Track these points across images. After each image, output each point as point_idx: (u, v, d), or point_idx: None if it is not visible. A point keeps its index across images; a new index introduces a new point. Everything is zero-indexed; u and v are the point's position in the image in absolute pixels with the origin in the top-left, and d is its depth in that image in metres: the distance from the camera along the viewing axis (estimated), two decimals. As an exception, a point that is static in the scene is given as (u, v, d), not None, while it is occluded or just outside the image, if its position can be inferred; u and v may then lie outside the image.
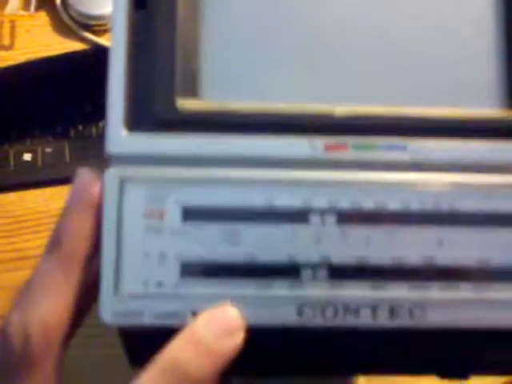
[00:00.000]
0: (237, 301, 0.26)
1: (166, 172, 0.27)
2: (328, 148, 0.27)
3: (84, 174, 0.26)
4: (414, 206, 0.27)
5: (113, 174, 0.26)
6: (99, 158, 0.52)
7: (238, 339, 0.25)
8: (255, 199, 0.27)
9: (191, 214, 0.26)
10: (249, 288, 0.26)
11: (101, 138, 0.53)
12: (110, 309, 0.25)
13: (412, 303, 0.27)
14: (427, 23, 0.29)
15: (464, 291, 0.27)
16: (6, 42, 0.53)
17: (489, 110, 0.29)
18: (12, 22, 0.53)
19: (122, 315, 0.25)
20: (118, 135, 0.26)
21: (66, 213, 0.26)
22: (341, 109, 0.27)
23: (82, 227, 0.26)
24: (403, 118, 0.28)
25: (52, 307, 0.25)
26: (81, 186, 0.26)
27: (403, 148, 0.27)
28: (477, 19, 0.30)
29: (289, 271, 0.26)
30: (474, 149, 0.28)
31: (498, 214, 0.27)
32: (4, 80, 0.53)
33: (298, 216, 0.27)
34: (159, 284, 0.26)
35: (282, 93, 0.28)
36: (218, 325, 0.25)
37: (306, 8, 0.29)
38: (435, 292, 0.27)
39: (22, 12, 0.53)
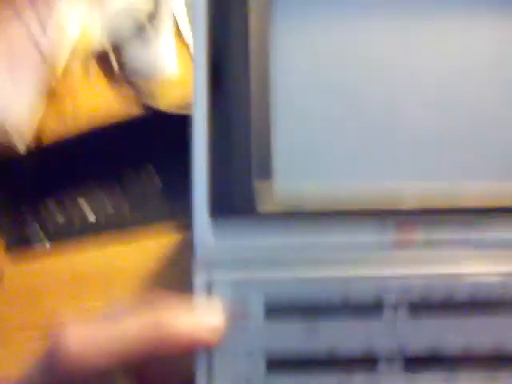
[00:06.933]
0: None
1: (249, 273, 0.29)
2: (398, 243, 0.29)
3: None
4: (482, 294, 0.29)
5: (201, 277, 0.29)
6: (159, 215, 0.55)
7: None
8: (332, 294, 0.29)
9: (273, 311, 0.28)
10: (330, 381, 0.28)
11: (158, 194, 0.56)
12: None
13: (485, 392, 0.28)
14: (488, 100, 0.31)
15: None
16: (69, 109, 0.55)
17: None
18: (73, 88, 0.55)
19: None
20: (204, 242, 0.29)
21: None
22: (409, 203, 0.29)
23: None
24: (469, 212, 0.29)
25: None
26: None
27: (470, 241, 0.29)
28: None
29: (366, 363, 0.28)
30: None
31: None
32: (68, 145, 0.56)
33: (372, 310, 0.29)
34: (248, 381, 0.28)
35: (349, 174, 0.30)
36: None
37: (373, 92, 0.30)
38: (506, 380, 0.28)
39: (83, 81, 0.55)
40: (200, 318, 0.28)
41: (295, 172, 0.30)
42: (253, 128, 0.29)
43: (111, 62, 0.56)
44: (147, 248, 0.52)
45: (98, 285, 0.51)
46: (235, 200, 0.29)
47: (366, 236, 0.29)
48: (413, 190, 0.30)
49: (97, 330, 0.28)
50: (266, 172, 0.30)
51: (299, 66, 0.31)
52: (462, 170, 0.30)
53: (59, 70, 0.54)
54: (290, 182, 0.30)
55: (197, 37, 0.30)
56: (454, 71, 0.31)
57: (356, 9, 0.31)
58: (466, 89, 0.31)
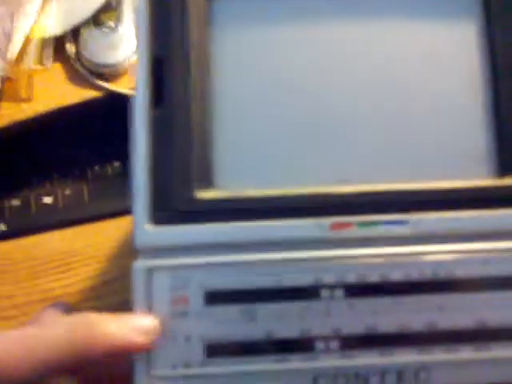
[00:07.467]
0: (258, 375, 0.29)
1: (188, 260, 0.29)
2: (334, 227, 0.30)
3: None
4: (415, 276, 0.30)
5: (140, 265, 0.29)
6: (117, 197, 0.55)
7: None
8: (269, 279, 0.29)
9: (212, 297, 0.29)
10: (268, 363, 0.29)
11: (117, 176, 0.56)
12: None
13: (417, 367, 0.29)
14: (421, 100, 0.32)
15: (465, 352, 0.30)
16: (25, 94, 0.55)
17: (480, 178, 0.31)
18: (29, 74, 0.55)
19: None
20: (144, 230, 0.29)
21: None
22: (344, 189, 0.30)
23: None
24: (402, 195, 0.30)
25: None
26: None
27: (403, 223, 0.30)
28: (467, 91, 0.32)
29: (303, 345, 0.29)
30: (469, 218, 0.30)
31: (493, 278, 0.30)
32: (25, 130, 0.56)
33: (309, 292, 0.29)
34: (187, 365, 0.29)
35: (290, 177, 0.31)
36: None
37: (310, 96, 0.31)
38: (439, 355, 0.29)
39: (38, 66, 0.55)
40: (133, 320, 0.28)
41: (236, 178, 0.31)
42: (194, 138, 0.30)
43: (67, 47, 0.55)
44: (105, 230, 0.52)
45: (55, 267, 0.51)
46: (174, 188, 0.30)
47: (303, 220, 0.30)
48: (347, 189, 0.30)
49: (21, 337, 0.27)
50: (206, 163, 0.30)
51: (241, 71, 0.32)
52: (398, 170, 0.31)
53: (14, 56, 0.53)
54: (230, 187, 0.30)
55: (140, 44, 0.31)
56: (392, 75, 0.32)
57: (294, 13, 0.32)
58: (405, 94, 0.32)
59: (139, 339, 0.28)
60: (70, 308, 0.31)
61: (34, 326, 0.28)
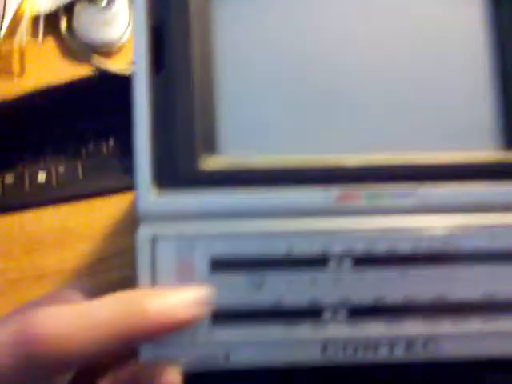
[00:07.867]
0: (265, 343, 0.28)
1: (193, 227, 0.29)
2: (341, 198, 0.29)
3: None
4: (423, 247, 0.29)
5: (144, 232, 0.28)
6: (111, 175, 0.54)
7: None
8: (277, 248, 0.29)
9: (218, 265, 0.29)
10: (276, 331, 0.29)
11: (112, 154, 0.56)
12: (149, 356, 0.28)
13: (426, 338, 0.29)
14: (428, 71, 0.31)
15: (474, 324, 0.29)
16: (17, 69, 0.54)
17: (488, 151, 0.30)
18: (21, 50, 0.54)
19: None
20: (147, 196, 0.28)
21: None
22: (351, 160, 0.29)
23: None
24: (410, 166, 0.30)
25: None
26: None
27: (411, 194, 0.29)
28: (473, 62, 0.31)
29: (311, 313, 0.29)
30: (477, 191, 0.30)
31: (502, 250, 0.30)
32: (17, 106, 0.55)
33: (317, 262, 0.29)
34: (193, 334, 0.28)
35: (296, 145, 0.30)
36: None
37: (317, 63, 0.30)
38: (447, 326, 0.29)
39: (31, 42, 0.54)
40: (178, 293, 0.27)
41: (240, 145, 0.30)
42: (196, 105, 0.29)
43: (60, 23, 0.54)
44: (99, 208, 0.52)
45: (50, 244, 0.51)
46: (177, 155, 0.29)
47: (311, 191, 0.29)
48: (355, 159, 0.30)
49: (74, 311, 0.25)
50: (210, 129, 0.30)
51: (243, 35, 0.31)
52: (405, 141, 0.30)
53: (4, 31, 0.52)
54: (234, 155, 0.30)
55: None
56: (399, 42, 0.31)
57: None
58: (411, 66, 0.31)
59: (193, 312, 0.27)
60: (88, 289, 0.30)
61: (75, 304, 0.26)
